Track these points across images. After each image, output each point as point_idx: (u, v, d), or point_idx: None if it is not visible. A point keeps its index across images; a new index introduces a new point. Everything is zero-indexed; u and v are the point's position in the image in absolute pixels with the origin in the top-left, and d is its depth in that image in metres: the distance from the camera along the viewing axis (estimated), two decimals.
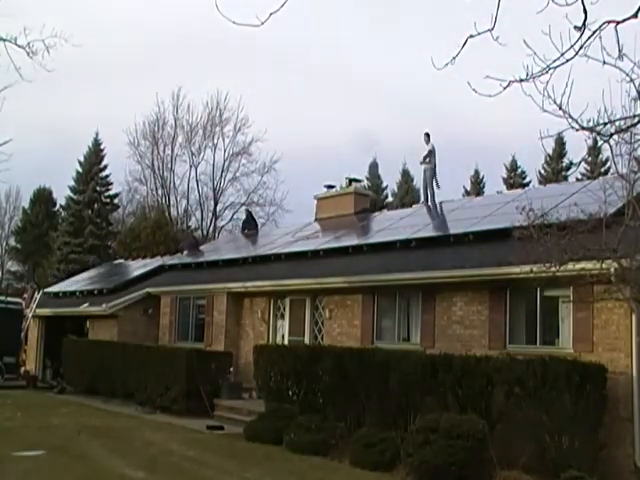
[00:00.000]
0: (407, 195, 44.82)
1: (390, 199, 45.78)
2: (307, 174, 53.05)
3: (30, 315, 23.55)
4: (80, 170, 44.04)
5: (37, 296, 24.41)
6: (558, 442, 9.60)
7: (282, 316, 17.75)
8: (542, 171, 42.56)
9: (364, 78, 59.08)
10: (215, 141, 43.39)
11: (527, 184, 42.40)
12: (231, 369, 16.91)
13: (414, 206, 21.78)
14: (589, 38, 4.36)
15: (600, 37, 4.38)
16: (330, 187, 22.71)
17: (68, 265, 39.97)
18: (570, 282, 9.81)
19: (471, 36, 4.38)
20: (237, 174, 43.28)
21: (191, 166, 43.59)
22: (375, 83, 60.80)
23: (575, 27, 4.32)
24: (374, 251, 15.99)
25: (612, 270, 8.89)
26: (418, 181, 45.88)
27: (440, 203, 18.68)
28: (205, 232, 43.31)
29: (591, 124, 5.85)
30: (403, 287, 14.22)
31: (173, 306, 20.66)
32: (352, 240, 18.06)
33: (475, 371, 10.51)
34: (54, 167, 63.50)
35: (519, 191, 19.81)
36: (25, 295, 25.36)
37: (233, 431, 13.42)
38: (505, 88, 4.78)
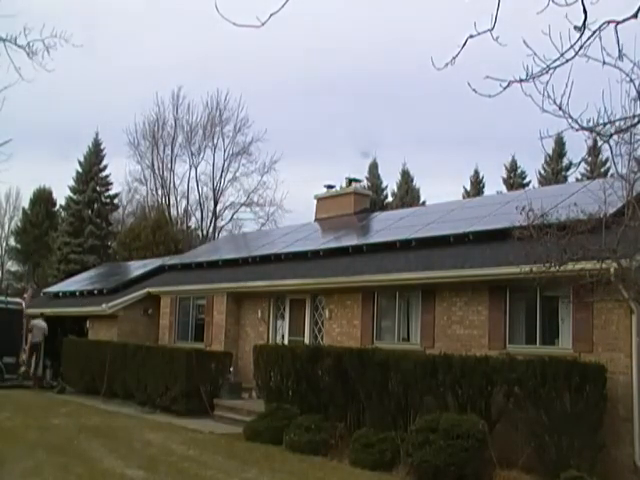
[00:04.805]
0: (407, 195, 44.81)
1: (390, 199, 45.77)
2: (307, 174, 53.14)
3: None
4: (80, 170, 44.03)
5: (27, 294, 24.33)
6: (558, 442, 9.61)
7: (282, 316, 17.75)
8: (542, 171, 42.56)
9: (364, 78, 59.09)
10: (215, 141, 43.52)
11: (527, 184, 42.45)
12: (231, 369, 16.92)
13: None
14: (589, 38, 4.35)
15: (600, 37, 4.38)
16: (330, 187, 22.73)
17: (68, 265, 39.97)
18: (570, 282, 9.81)
19: (471, 36, 4.38)
20: (237, 174, 43.43)
21: (191, 166, 43.72)
22: (375, 83, 60.83)
23: (575, 27, 4.31)
24: (374, 251, 15.99)
25: (612, 270, 8.90)
26: (418, 181, 46.10)
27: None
28: (205, 232, 43.34)
29: (591, 124, 5.84)
30: (403, 287, 14.23)
31: (173, 306, 20.67)
32: (352, 240, 18.06)
33: (475, 371, 10.52)
34: (54, 167, 63.68)
35: (519, 191, 19.83)
36: (25, 295, 25.35)
37: (233, 431, 13.42)
38: (505, 88, 4.77)
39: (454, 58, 4.49)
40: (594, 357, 10.40)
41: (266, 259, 18.94)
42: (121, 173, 66.94)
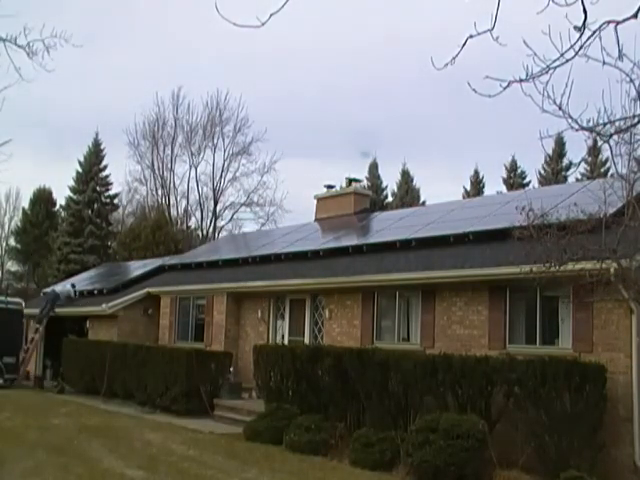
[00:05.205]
0: (407, 195, 44.79)
1: (390, 199, 45.77)
2: (307, 174, 53.18)
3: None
4: (80, 170, 44.00)
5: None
6: (558, 442, 9.61)
7: (282, 316, 17.75)
8: (542, 171, 42.53)
9: (364, 78, 59.11)
10: (215, 141, 43.55)
11: (527, 184, 42.43)
12: (231, 369, 16.92)
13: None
14: (589, 38, 4.35)
15: (600, 37, 4.37)
16: (330, 187, 22.74)
17: (68, 265, 39.95)
18: (570, 282, 9.82)
19: (471, 36, 4.37)
20: (237, 174, 43.45)
21: (191, 166, 43.74)
22: (375, 83, 60.84)
23: (575, 27, 4.31)
24: (374, 251, 15.99)
25: (612, 270, 8.90)
26: (418, 181, 46.11)
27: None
28: (205, 232, 43.34)
29: (591, 124, 5.84)
30: (403, 287, 14.23)
31: (173, 306, 20.67)
32: (352, 240, 18.06)
33: (475, 371, 10.52)
34: (54, 167, 63.68)
35: (519, 191, 19.83)
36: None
37: (233, 431, 13.42)
38: (505, 88, 4.76)
39: (454, 58, 4.48)
40: (594, 357, 10.40)
41: (266, 259, 18.94)
42: (121, 173, 67.15)
